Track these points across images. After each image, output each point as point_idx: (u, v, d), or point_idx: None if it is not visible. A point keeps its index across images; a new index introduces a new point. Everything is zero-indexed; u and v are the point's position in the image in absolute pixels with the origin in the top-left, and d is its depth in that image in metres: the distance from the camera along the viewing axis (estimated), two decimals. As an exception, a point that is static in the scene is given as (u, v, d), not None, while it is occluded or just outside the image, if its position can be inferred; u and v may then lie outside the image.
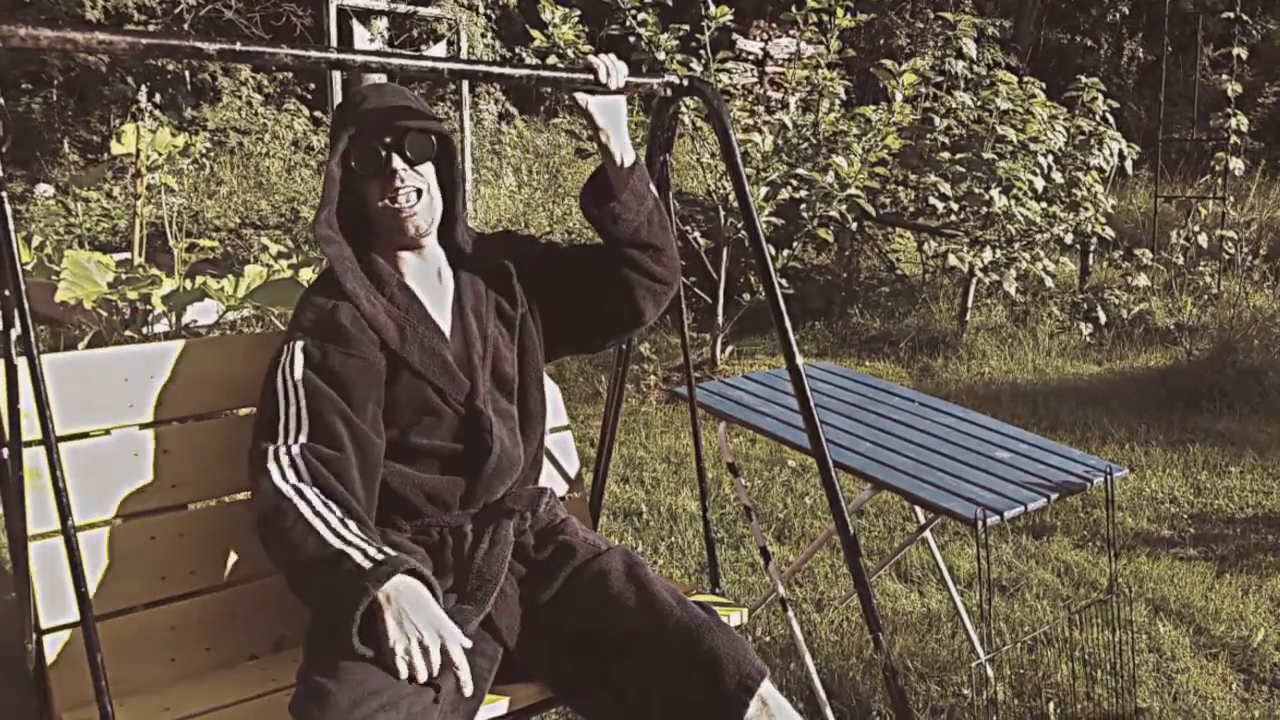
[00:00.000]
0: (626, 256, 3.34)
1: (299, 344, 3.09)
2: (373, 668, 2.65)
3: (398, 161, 3.15)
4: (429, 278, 3.32)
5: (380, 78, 15.39)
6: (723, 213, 9.40)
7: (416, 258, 3.31)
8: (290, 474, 2.91)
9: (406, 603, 2.70)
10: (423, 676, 2.65)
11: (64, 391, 3.05)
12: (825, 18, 9.34)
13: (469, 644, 2.76)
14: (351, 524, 2.84)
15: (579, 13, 8.90)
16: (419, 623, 2.68)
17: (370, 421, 3.07)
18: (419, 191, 3.20)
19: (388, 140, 3.15)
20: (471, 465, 3.23)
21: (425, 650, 2.66)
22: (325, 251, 3.18)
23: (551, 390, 3.77)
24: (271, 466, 2.92)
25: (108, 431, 3.16)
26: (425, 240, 3.28)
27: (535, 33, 8.82)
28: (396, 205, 3.17)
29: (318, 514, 2.83)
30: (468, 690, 2.71)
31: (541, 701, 3.17)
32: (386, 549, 2.80)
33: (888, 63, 9.57)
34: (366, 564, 2.72)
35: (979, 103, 10.59)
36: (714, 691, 2.86)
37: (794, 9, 9.58)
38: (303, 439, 2.97)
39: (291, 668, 2.77)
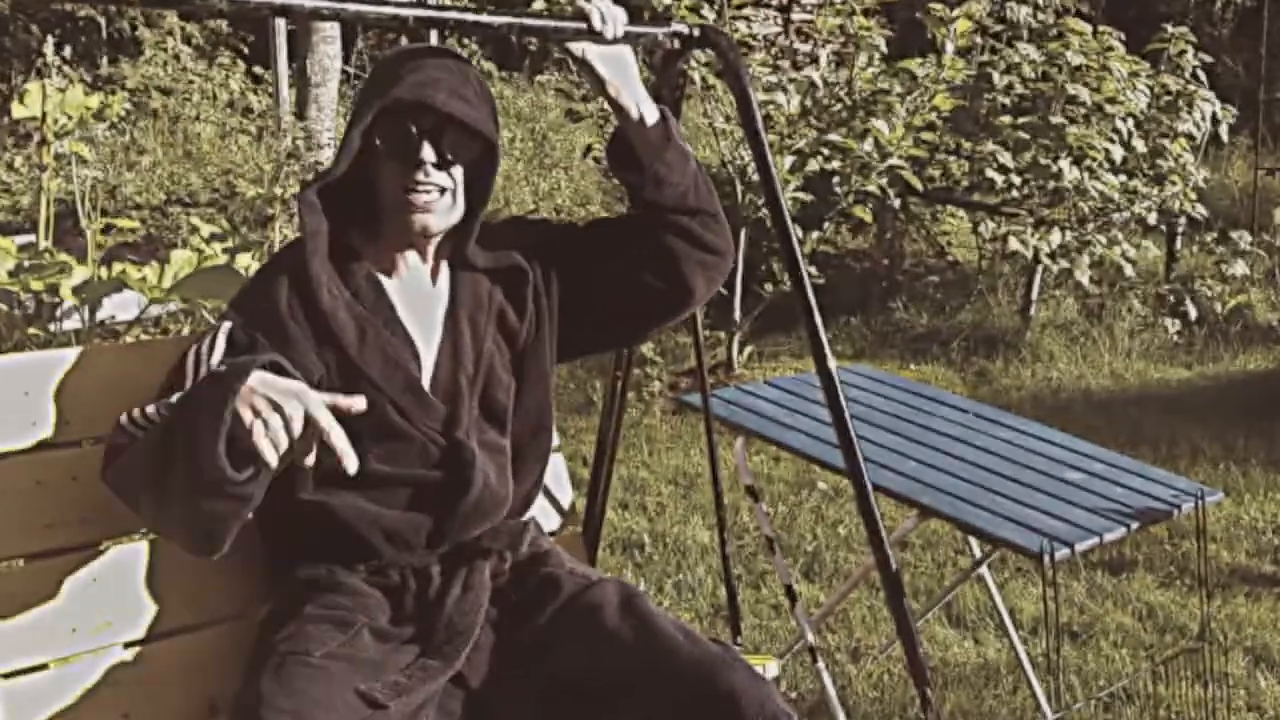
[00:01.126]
0: (674, 224, 3.31)
1: (226, 326, 3.03)
2: None
3: (429, 152, 3.06)
4: (419, 281, 3.26)
5: (333, 29, 15.42)
6: (740, 187, 9.40)
7: (414, 256, 3.25)
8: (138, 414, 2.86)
9: (258, 383, 2.62)
10: (283, 447, 2.58)
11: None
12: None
13: (335, 400, 2.70)
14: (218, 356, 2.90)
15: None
16: (275, 395, 2.60)
17: None
18: (443, 190, 3.12)
19: (426, 125, 3.07)
20: (443, 501, 3.19)
21: (287, 421, 2.57)
22: (301, 221, 3.11)
23: None
24: (122, 418, 2.87)
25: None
26: (431, 241, 3.22)
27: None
28: (411, 198, 3.09)
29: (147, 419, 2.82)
30: (350, 467, 2.64)
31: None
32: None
33: (937, 7, 9.55)
34: (206, 379, 2.74)
35: (1046, 57, 10.57)
36: None
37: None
38: (213, 364, 2.91)
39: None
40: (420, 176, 3.06)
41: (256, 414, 2.57)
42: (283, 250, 3.24)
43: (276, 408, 2.58)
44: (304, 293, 3.08)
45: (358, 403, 2.66)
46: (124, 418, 2.85)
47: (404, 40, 17.27)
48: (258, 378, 2.62)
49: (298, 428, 2.59)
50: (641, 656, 2.98)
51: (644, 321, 3.50)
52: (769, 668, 3.57)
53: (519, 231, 3.45)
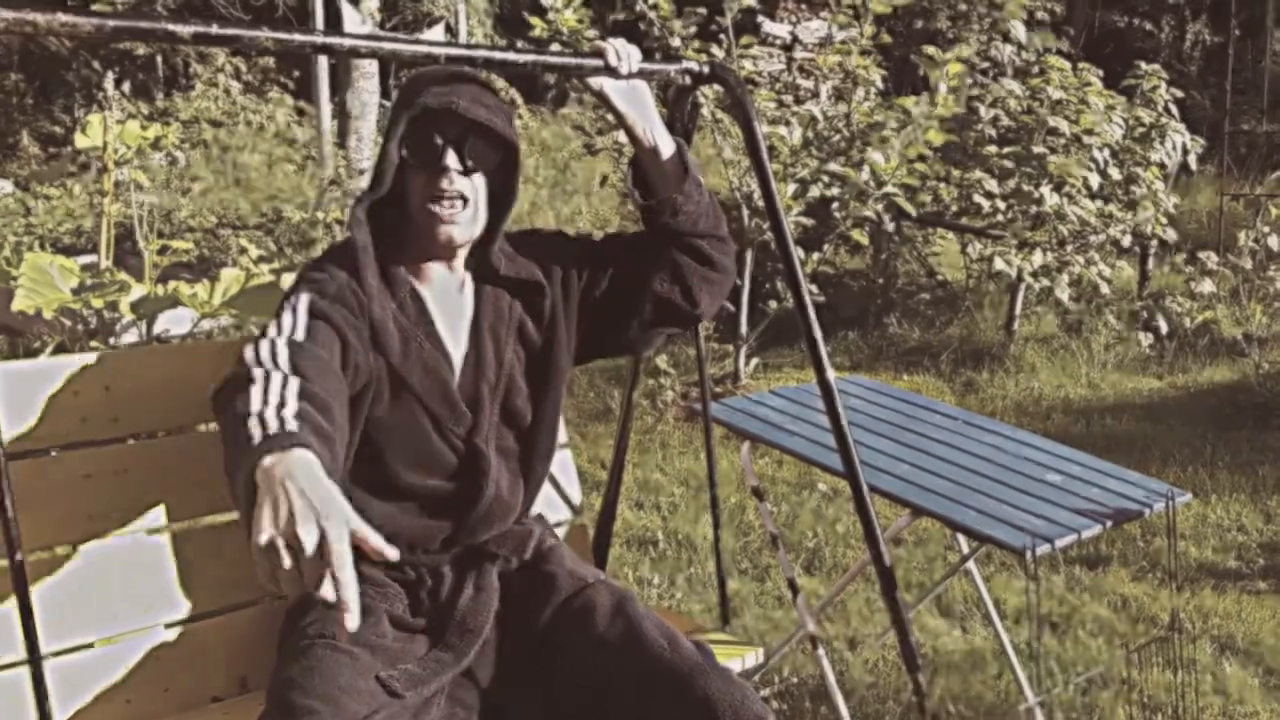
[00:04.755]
0: (686, 245, 3.33)
1: (305, 295, 2.96)
2: (337, 709, 2.64)
3: (452, 159, 3.06)
4: (449, 293, 3.26)
5: (371, 65, 15.46)
6: (746, 212, 9.40)
7: (442, 268, 3.24)
8: (265, 353, 2.70)
9: (284, 472, 2.30)
10: (287, 565, 2.20)
11: (6, 406, 3.01)
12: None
13: (360, 530, 2.27)
14: (293, 387, 2.58)
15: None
16: (293, 493, 2.26)
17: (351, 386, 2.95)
18: (464, 200, 3.11)
19: (450, 134, 3.07)
20: (458, 508, 3.21)
21: (297, 550, 2.20)
22: (352, 236, 3.11)
23: None
24: (248, 349, 2.72)
25: (48, 451, 3.15)
26: (457, 253, 3.22)
27: (535, 20, 8.79)
28: (436, 209, 3.09)
29: (267, 379, 2.59)
30: (351, 625, 2.17)
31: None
32: (303, 419, 2.50)
33: (931, 50, 9.55)
34: (272, 430, 2.41)
35: (1029, 91, 10.58)
36: None
37: (836, -10, 9.58)
38: (298, 336, 2.82)
39: (255, 709, 2.73)
40: (445, 184, 3.06)
41: (272, 511, 2.26)
42: (334, 250, 3.20)
43: (288, 509, 2.24)
44: (359, 300, 3.07)
45: (390, 553, 2.28)
46: (250, 353, 2.70)
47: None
48: (300, 463, 2.34)
49: (310, 544, 2.21)
50: (627, 660, 2.97)
51: (653, 331, 3.49)
52: (748, 658, 3.55)
53: (538, 244, 3.43)
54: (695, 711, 2.83)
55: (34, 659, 2.49)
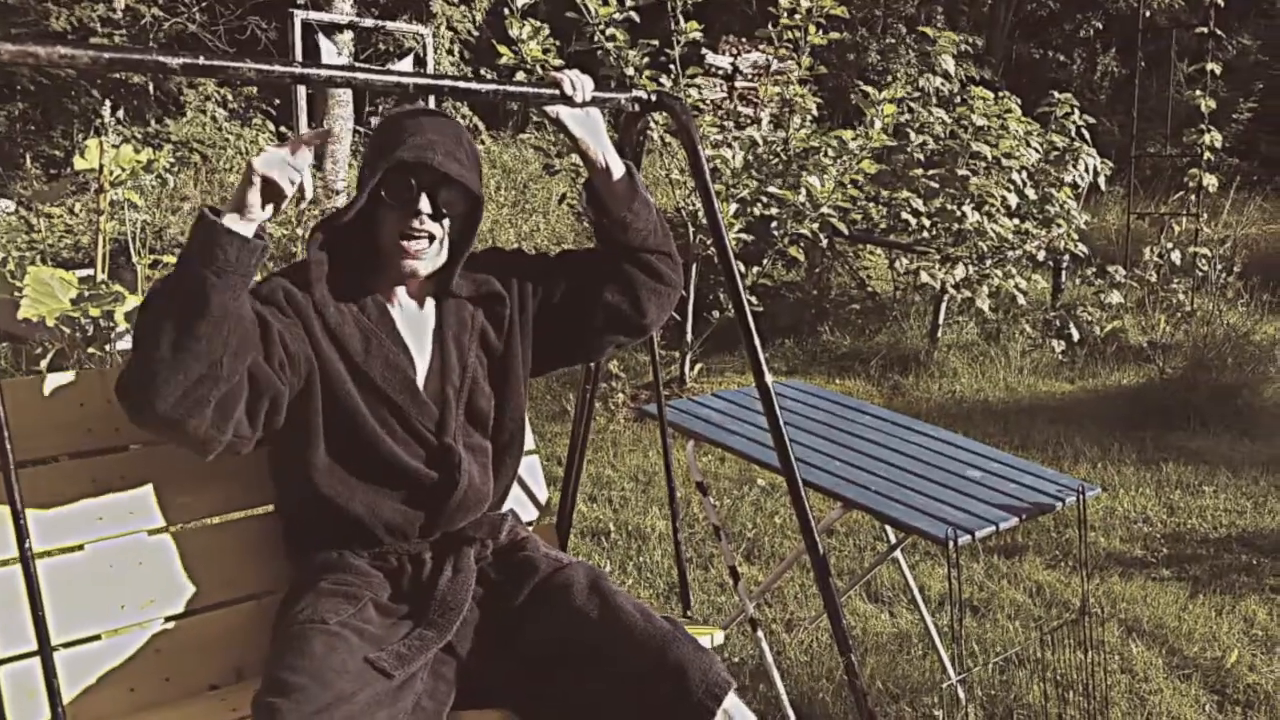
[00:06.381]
0: (638, 261, 3.37)
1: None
2: (325, 686, 2.65)
3: (425, 203, 3.12)
4: (411, 307, 3.30)
5: (346, 94, 15.43)
6: (691, 229, 9.41)
7: (402, 289, 3.27)
8: None
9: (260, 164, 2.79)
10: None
11: (20, 416, 3.00)
12: (798, 34, 9.37)
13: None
14: None
15: (548, 27, 8.88)
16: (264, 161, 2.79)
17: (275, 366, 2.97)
18: (431, 238, 3.16)
19: (425, 181, 3.11)
20: (435, 498, 3.22)
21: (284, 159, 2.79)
22: (308, 253, 3.15)
23: None
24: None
25: (49, 459, 3.14)
26: (418, 281, 3.25)
27: (503, 49, 8.79)
28: (405, 245, 3.14)
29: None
30: (308, 193, 2.83)
31: (506, 728, 3.15)
32: None
33: (870, 90, 9.57)
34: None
35: (954, 118, 10.62)
36: (680, 702, 2.85)
37: (770, 26, 9.59)
38: None
39: (251, 697, 2.74)
40: (416, 224, 3.12)
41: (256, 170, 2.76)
42: (288, 267, 3.22)
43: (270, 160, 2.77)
44: (298, 304, 3.11)
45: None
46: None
47: (406, 105, 17.29)
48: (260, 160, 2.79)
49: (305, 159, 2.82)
50: (603, 631, 3.01)
51: (605, 340, 3.49)
52: (715, 637, 3.56)
53: (498, 260, 3.47)
54: (669, 676, 2.88)
55: (44, 650, 2.48)
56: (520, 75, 8.68)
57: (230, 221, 2.72)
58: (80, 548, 3.13)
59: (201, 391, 2.70)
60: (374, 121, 19.69)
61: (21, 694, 2.95)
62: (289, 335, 3.02)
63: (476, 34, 20.31)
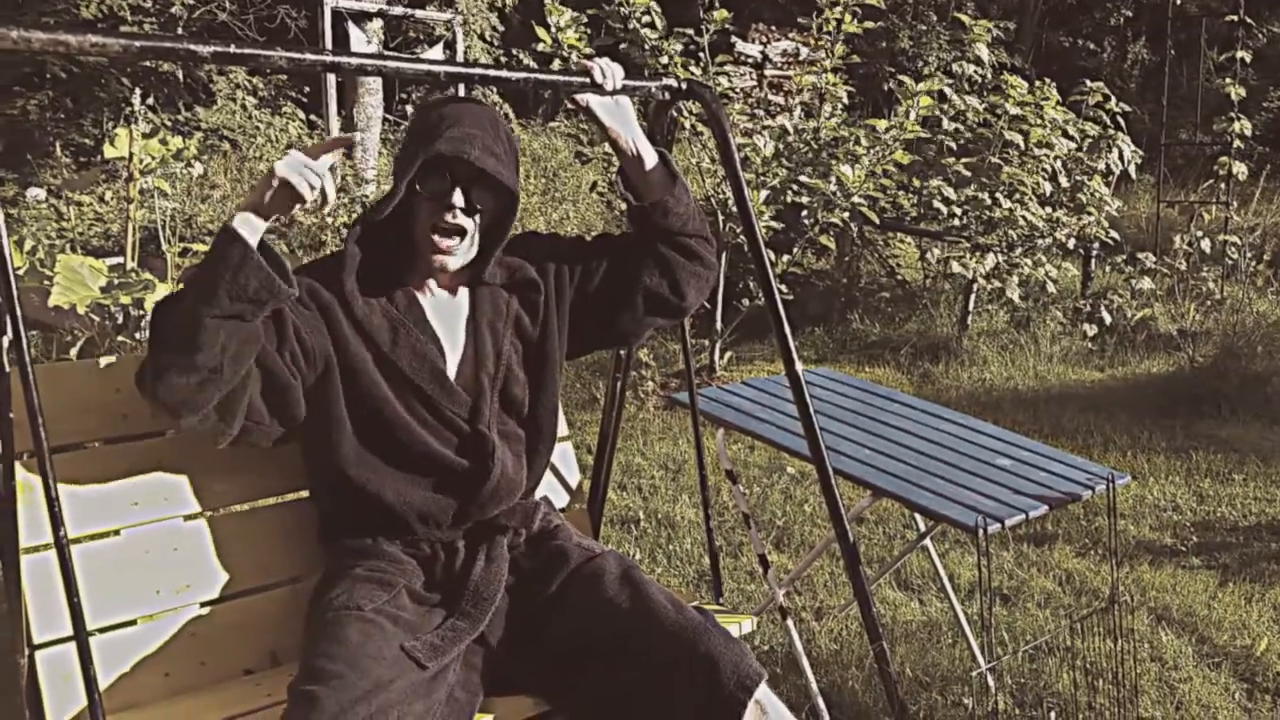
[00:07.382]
0: (677, 244, 3.39)
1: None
2: (362, 674, 2.65)
3: (459, 197, 3.12)
4: (443, 297, 3.30)
5: (376, 82, 15.43)
6: (721, 217, 9.39)
7: (434, 280, 3.29)
8: None
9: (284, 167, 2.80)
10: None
11: (54, 401, 3.00)
12: (834, 22, 9.35)
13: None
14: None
15: (586, 15, 8.86)
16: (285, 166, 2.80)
17: (288, 363, 3.00)
18: (463, 234, 3.16)
19: (459, 175, 3.11)
20: (468, 486, 3.22)
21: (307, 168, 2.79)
22: (345, 246, 3.17)
23: None
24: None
25: (84, 444, 3.15)
26: (448, 274, 3.26)
27: (541, 32, 8.75)
28: (436, 239, 3.14)
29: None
30: (330, 199, 2.85)
31: (535, 717, 3.14)
32: None
33: (907, 80, 9.54)
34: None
35: (986, 106, 10.57)
36: (711, 694, 2.85)
37: (813, 16, 9.56)
38: None
39: (285, 681, 2.75)
40: (449, 217, 3.12)
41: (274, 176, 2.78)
42: (316, 261, 3.25)
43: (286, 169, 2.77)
44: (341, 299, 3.13)
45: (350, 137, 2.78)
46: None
47: (437, 93, 17.29)
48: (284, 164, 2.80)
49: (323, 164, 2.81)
50: (635, 622, 3.00)
51: (645, 323, 3.49)
52: (744, 625, 3.55)
53: (533, 245, 3.47)
54: (700, 667, 2.87)
55: (80, 635, 2.48)
56: (556, 64, 8.66)
57: (240, 223, 2.75)
58: (116, 533, 3.14)
59: (204, 393, 2.76)
60: (406, 110, 19.74)
61: (57, 678, 2.95)
62: (305, 328, 3.04)
63: (501, 27, 20.26)
